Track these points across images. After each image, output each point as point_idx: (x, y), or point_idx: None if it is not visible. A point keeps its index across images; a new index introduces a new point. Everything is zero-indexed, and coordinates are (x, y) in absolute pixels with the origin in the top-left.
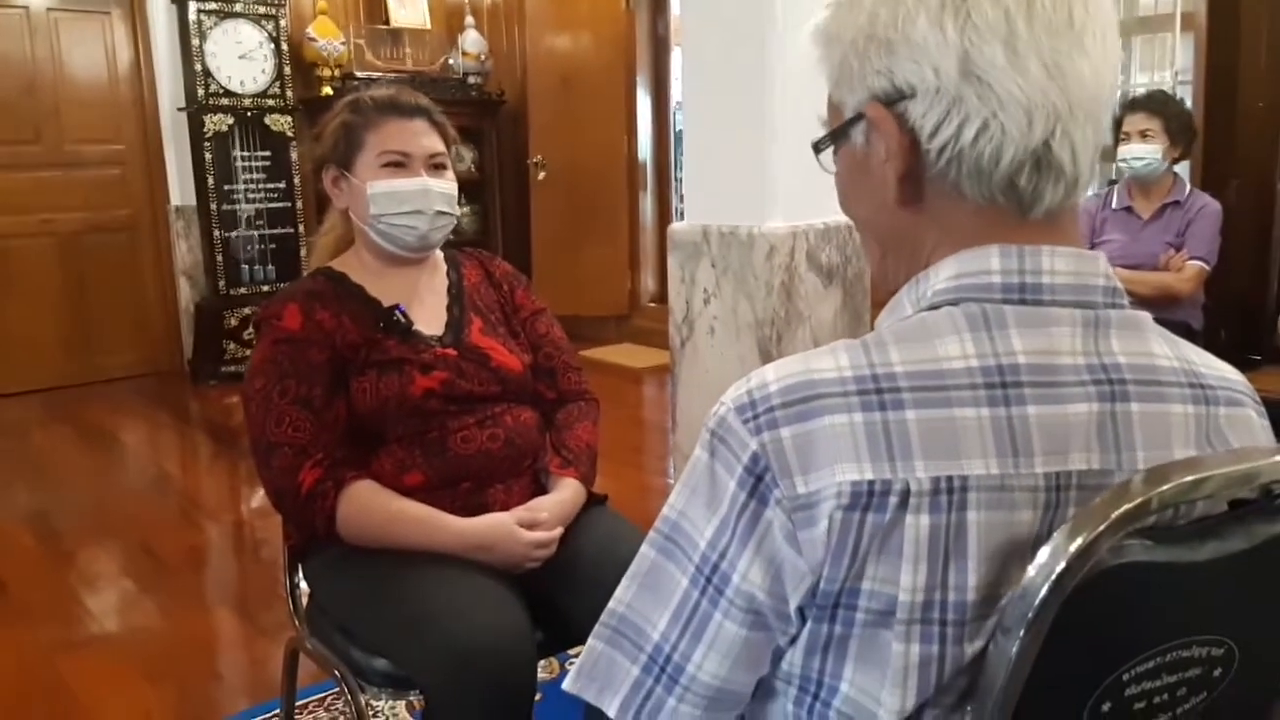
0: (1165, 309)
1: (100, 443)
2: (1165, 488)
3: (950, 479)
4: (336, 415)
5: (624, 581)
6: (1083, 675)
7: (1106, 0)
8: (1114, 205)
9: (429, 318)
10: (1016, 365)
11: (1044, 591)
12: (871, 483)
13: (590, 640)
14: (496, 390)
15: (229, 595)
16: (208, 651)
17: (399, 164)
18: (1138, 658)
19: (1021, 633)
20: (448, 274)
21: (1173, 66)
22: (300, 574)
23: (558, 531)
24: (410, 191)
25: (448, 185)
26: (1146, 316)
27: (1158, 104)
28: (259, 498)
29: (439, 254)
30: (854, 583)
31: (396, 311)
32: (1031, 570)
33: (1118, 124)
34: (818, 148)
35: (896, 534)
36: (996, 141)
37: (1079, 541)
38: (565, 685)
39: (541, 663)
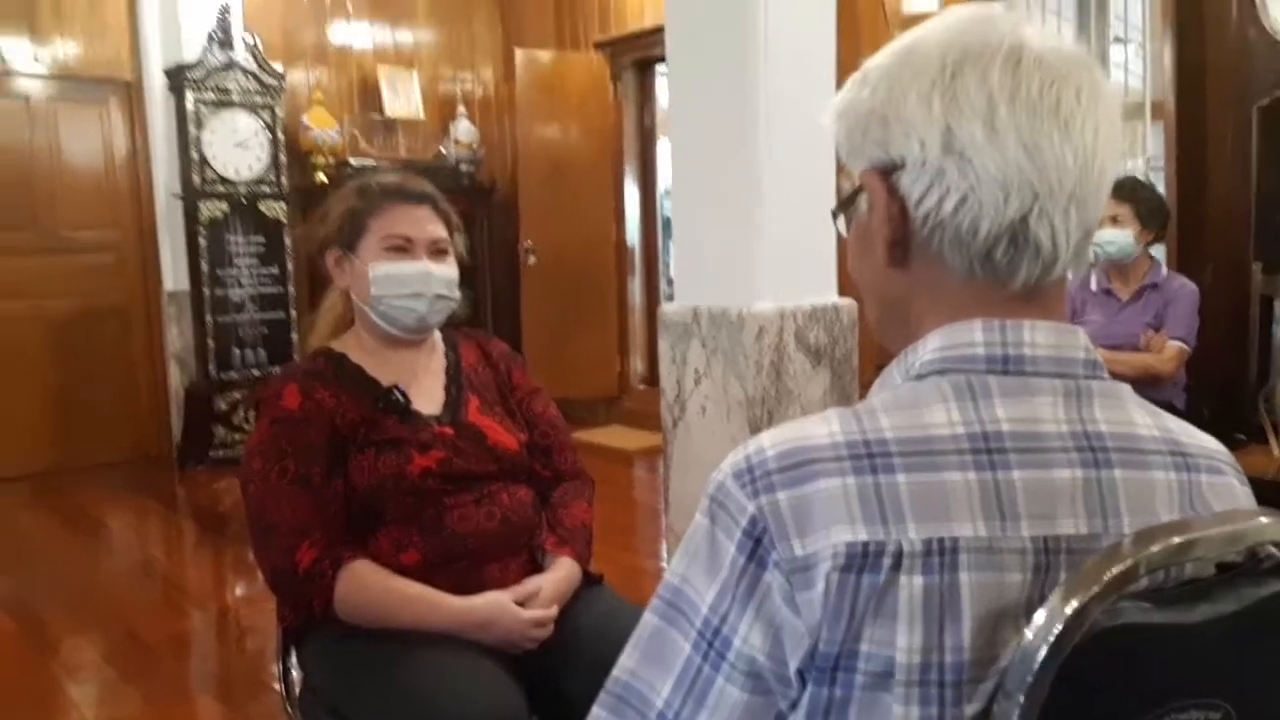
0: (1148, 389)
1: (86, 529)
2: (1154, 549)
3: (941, 540)
4: (335, 495)
5: (627, 649)
6: None
7: (1107, 94)
8: (1093, 287)
9: (427, 397)
10: (1000, 432)
11: (1042, 654)
12: (866, 544)
13: (594, 709)
14: (493, 469)
15: (215, 684)
16: None
17: (401, 248)
18: None
19: (1022, 697)
20: (445, 354)
21: (1145, 153)
22: (294, 657)
23: (554, 610)
24: (411, 274)
25: (449, 270)
26: (1127, 387)
27: (1127, 191)
28: (245, 585)
29: (437, 335)
30: (852, 645)
31: (395, 392)
32: (1029, 634)
33: None
34: (835, 214)
35: (891, 595)
36: (974, 214)
37: (1074, 604)
38: None
39: None
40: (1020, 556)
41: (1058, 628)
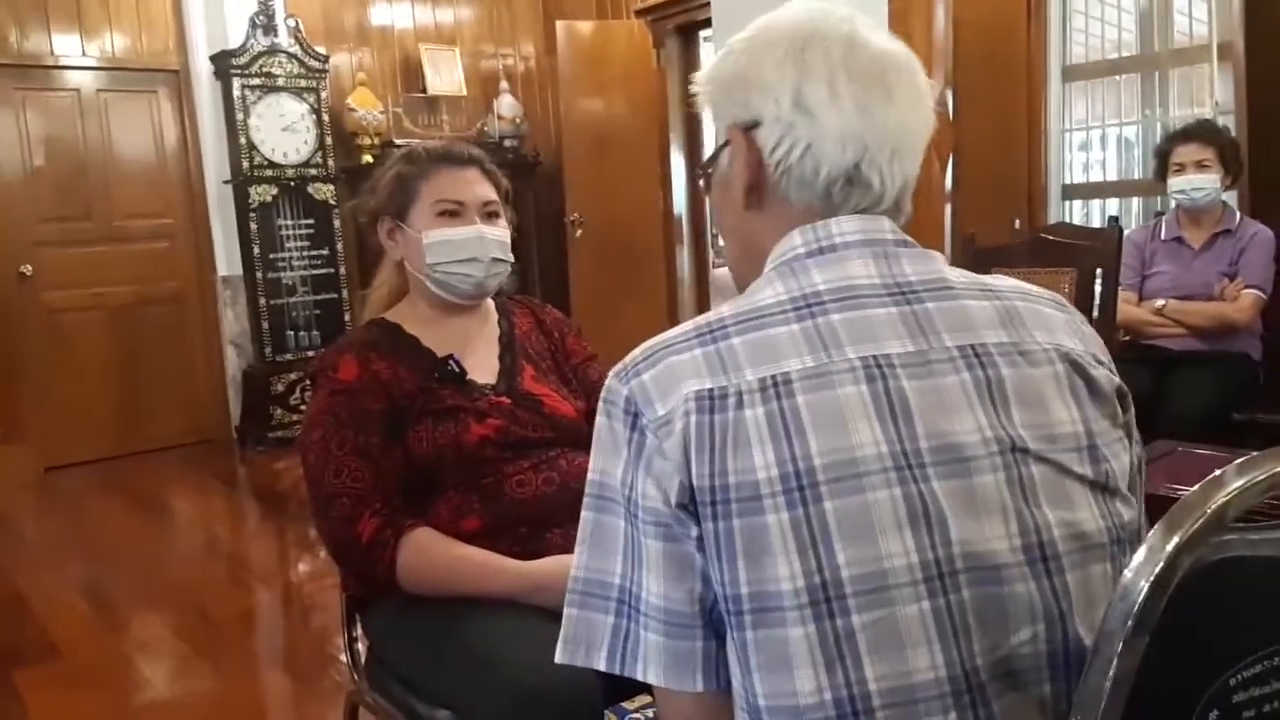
0: (1223, 340)
1: (151, 511)
2: (1259, 476)
3: (774, 377)
4: (394, 464)
5: (576, 549)
6: (1187, 682)
7: (923, 81)
8: (1163, 236)
9: (482, 366)
10: (819, 292)
11: (1145, 592)
12: (711, 390)
13: (565, 610)
14: (551, 436)
15: (283, 658)
16: (262, 714)
17: (453, 212)
18: (1243, 661)
19: (1124, 638)
20: (499, 322)
21: (1212, 98)
22: (359, 626)
23: None
24: (465, 239)
25: (502, 232)
26: (938, 254)
27: (1211, 133)
28: (308, 561)
29: (490, 303)
30: (721, 479)
31: (450, 361)
32: (1129, 572)
33: (1164, 156)
34: (700, 171)
35: (740, 427)
36: (816, 159)
37: (1176, 539)
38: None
39: None
40: (851, 373)
41: (1160, 564)
